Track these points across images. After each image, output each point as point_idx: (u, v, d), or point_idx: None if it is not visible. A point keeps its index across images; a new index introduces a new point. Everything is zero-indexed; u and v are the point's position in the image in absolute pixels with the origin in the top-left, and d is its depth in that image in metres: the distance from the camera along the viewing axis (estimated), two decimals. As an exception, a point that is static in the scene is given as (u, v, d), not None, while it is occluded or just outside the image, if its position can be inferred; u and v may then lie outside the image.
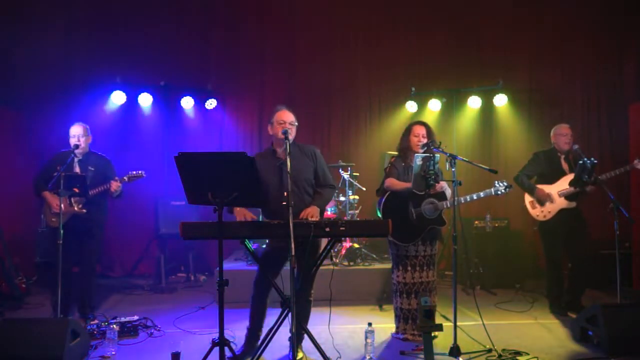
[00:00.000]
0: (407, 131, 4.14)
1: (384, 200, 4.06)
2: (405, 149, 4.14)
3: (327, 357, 3.27)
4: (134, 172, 4.67)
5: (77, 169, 4.59)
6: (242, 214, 3.39)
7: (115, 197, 4.67)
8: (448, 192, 4.06)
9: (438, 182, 3.90)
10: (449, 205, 3.97)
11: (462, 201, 3.95)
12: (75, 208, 4.48)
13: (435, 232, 4.09)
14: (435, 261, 4.14)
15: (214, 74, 7.15)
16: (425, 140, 4.02)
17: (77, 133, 4.60)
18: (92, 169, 4.62)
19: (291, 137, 3.53)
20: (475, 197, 4.03)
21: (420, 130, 4.06)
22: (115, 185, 4.54)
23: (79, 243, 4.55)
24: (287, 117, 3.57)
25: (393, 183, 4.02)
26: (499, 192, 3.96)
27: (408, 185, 3.89)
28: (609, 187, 4.34)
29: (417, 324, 3.87)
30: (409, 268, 4.03)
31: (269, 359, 3.63)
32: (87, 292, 4.68)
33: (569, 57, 7.16)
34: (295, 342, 2.97)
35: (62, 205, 4.16)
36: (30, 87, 6.58)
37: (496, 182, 3.99)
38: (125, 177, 4.62)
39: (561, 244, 4.87)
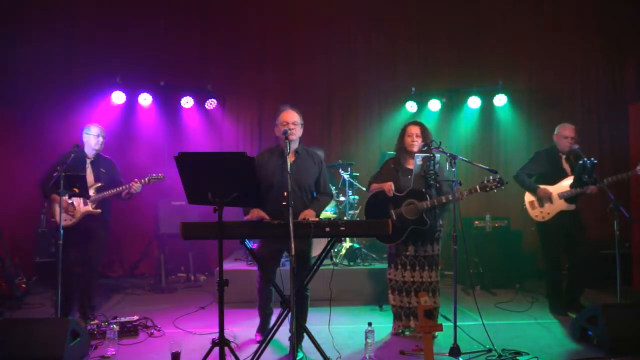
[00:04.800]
0: (402, 132, 4.15)
1: (366, 201, 4.17)
2: (400, 149, 4.16)
3: (327, 357, 3.27)
4: (154, 175, 4.65)
5: (89, 170, 4.57)
6: (255, 214, 3.39)
7: (126, 199, 4.66)
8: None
9: (438, 182, 3.88)
10: (429, 205, 3.88)
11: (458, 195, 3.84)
12: (90, 208, 4.48)
13: (426, 232, 4.00)
14: (434, 262, 4.11)
15: (214, 74, 7.14)
16: (419, 140, 4.02)
17: (99, 133, 4.61)
18: (104, 170, 4.64)
19: (295, 136, 3.55)
20: (466, 193, 3.83)
21: (414, 130, 4.05)
22: (136, 186, 4.52)
23: (86, 243, 4.53)
24: (289, 118, 3.56)
25: (374, 187, 4.16)
26: (487, 189, 3.72)
27: (385, 185, 3.98)
28: (609, 187, 4.34)
29: (417, 323, 3.86)
30: (399, 267, 4.08)
31: (269, 359, 3.63)
32: (88, 292, 4.68)
33: (569, 57, 7.16)
34: (295, 342, 2.97)
35: (80, 204, 4.28)
36: (30, 88, 6.56)
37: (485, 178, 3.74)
38: (145, 179, 4.59)
39: (560, 245, 4.87)
